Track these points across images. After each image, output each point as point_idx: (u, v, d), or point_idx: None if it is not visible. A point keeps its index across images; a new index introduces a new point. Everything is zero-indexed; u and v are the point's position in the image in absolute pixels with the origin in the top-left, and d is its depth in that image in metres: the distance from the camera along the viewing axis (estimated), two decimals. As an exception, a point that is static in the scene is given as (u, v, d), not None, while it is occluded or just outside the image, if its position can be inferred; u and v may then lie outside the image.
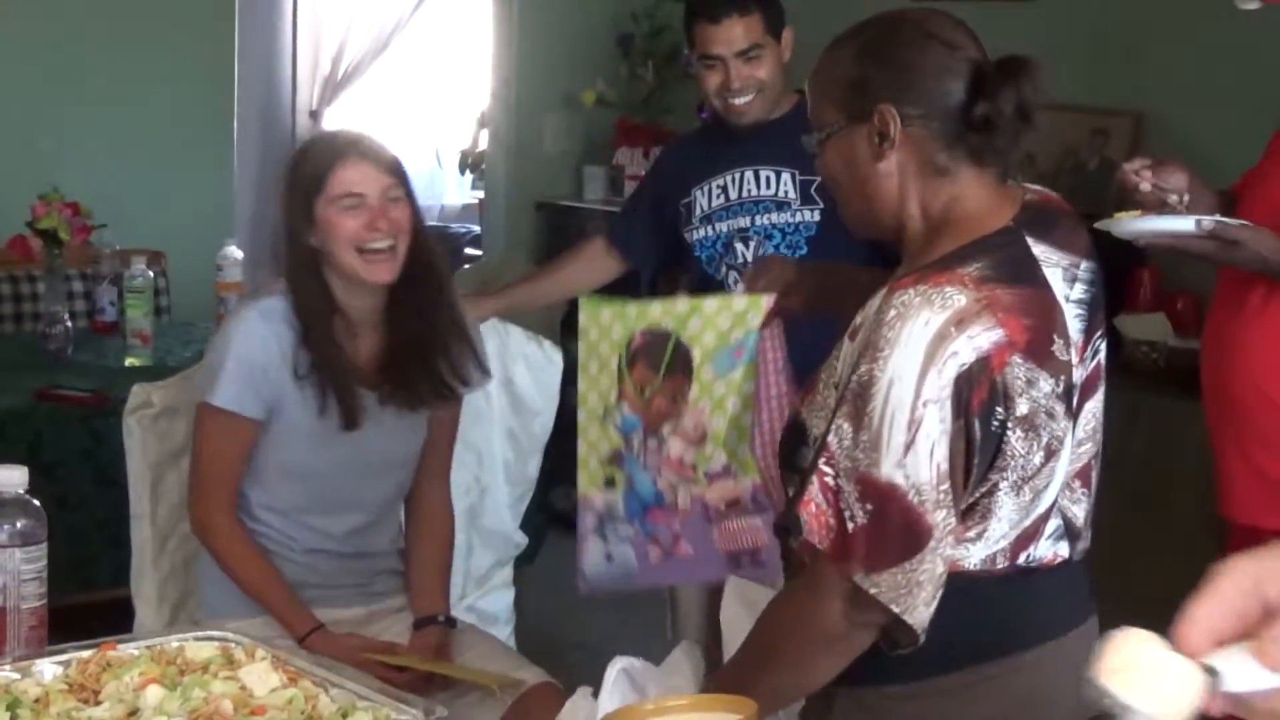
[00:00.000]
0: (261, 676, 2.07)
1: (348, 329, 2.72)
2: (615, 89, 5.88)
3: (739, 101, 3.31)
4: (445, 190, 9.20)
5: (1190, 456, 3.51)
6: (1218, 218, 2.59)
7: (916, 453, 1.85)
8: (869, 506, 1.88)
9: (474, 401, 3.49)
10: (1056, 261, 2.00)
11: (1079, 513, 2.04)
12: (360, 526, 2.82)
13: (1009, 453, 1.92)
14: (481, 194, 7.20)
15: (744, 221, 3.38)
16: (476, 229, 7.42)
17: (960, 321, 1.87)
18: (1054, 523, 2.01)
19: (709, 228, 3.42)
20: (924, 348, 1.85)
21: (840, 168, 2.06)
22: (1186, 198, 2.68)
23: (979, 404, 1.88)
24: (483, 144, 7.18)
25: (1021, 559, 1.99)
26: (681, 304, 2.36)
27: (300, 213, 2.66)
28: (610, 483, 2.30)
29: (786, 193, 3.36)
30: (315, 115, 8.88)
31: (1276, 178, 2.81)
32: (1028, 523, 1.97)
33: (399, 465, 2.84)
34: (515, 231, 5.94)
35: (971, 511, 1.94)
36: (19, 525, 2.22)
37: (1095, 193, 4.47)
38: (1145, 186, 2.68)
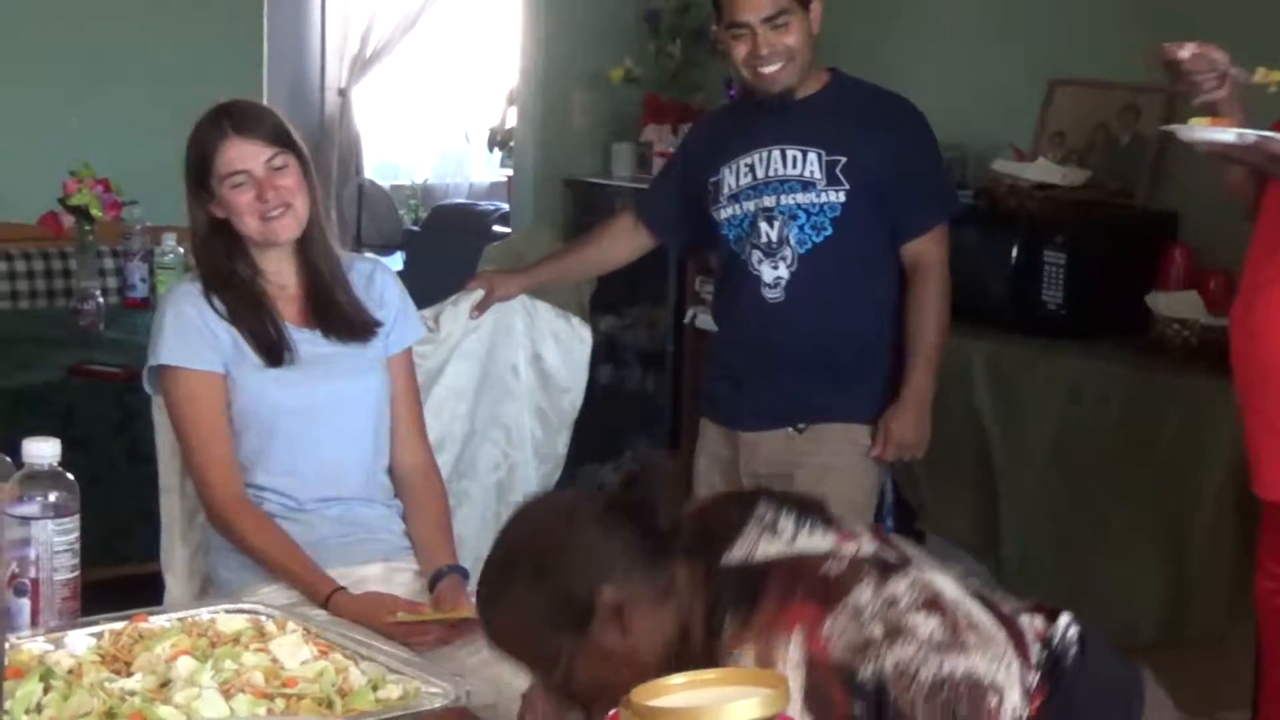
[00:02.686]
0: (292, 649, 2.09)
1: (273, 285, 2.87)
2: (643, 66, 5.86)
3: (767, 70, 3.29)
4: (474, 168, 9.20)
5: (1222, 434, 3.49)
6: (1262, 132, 2.60)
7: None
8: None
9: (502, 378, 3.49)
10: None
11: None
12: (340, 470, 2.86)
13: None
14: (510, 171, 7.19)
15: (769, 200, 3.36)
16: (505, 206, 7.41)
17: None
18: None
19: (736, 206, 3.40)
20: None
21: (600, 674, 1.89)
22: (1234, 70, 2.70)
23: None
24: (511, 121, 7.17)
25: None
26: None
27: (201, 188, 2.83)
28: None
29: (812, 173, 3.34)
30: (344, 93, 8.88)
31: None
32: None
33: (356, 401, 2.89)
34: (544, 208, 5.93)
35: None
36: (51, 498, 2.23)
37: (1127, 169, 4.44)
38: (1186, 52, 2.71)
